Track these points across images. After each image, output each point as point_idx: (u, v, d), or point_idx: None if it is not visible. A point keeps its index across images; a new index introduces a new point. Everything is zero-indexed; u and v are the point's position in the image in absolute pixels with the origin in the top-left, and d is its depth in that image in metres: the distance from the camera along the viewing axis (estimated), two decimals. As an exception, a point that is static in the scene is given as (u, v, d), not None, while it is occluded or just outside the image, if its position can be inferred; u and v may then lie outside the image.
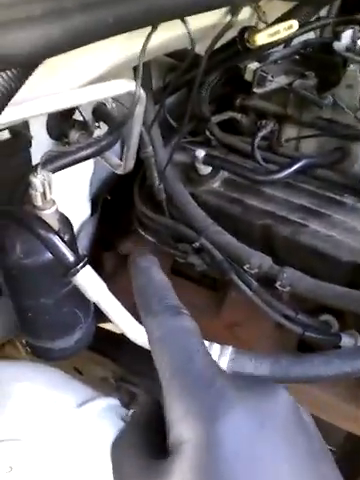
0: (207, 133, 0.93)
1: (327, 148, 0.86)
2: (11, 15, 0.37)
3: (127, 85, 0.54)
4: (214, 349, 0.55)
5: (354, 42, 0.85)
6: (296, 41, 0.90)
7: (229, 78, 0.95)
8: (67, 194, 0.76)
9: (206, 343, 0.55)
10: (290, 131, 0.89)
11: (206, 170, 0.85)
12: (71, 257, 0.54)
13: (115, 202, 0.99)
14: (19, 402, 0.63)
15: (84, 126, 0.72)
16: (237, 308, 0.86)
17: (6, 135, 0.66)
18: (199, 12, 0.50)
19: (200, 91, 0.90)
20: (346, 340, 0.74)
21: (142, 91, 0.56)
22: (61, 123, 0.72)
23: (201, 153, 0.82)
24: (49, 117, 0.71)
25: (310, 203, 0.78)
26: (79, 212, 0.87)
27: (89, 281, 0.55)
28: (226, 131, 0.92)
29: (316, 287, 0.71)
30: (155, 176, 0.82)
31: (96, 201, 0.95)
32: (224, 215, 0.81)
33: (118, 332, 0.95)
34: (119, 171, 0.71)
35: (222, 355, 0.54)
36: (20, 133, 0.66)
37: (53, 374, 0.73)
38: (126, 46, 0.52)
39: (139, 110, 0.59)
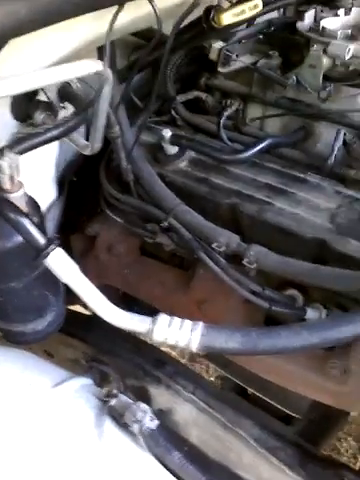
0: (173, 113, 0.93)
1: (291, 127, 0.88)
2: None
3: (94, 65, 0.53)
4: (185, 325, 0.56)
5: (317, 22, 0.87)
6: (260, 20, 0.91)
7: (194, 58, 0.95)
8: (33, 176, 0.75)
9: (177, 320, 0.57)
10: (255, 111, 0.91)
11: (173, 150, 0.85)
12: (42, 240, 0.54)
13: (81, 184, 0.99)
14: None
15: (49, 107, 0.71)
16: (205, 286, 0.88)
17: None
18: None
19: (165, 70, 0.90)
20: (311, 314, 0.77)
21: (109, 71, 0.56)
22: (26, 104, 0.70)
23: (167, 133, 0.83)
24: (13, 98, 0.69)
25: (275, 182, 0.80)
26: (45, 194, 0.87)
27: (61, 263, 0.56)
28: (191, 111, 0.92)
29: (282, 263, 0.73)
30: (122, 156, 0.82)
31: (62, 183, 0.94)
32: (191, 195, 0.82)
33: (87, 313, 0.96)
34: (86, 152, 0.70)
35: (193, 330, 0.56)
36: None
37: (25, 357, 0.73)
38: (93, 26, 0.52)
39: (106, 90, 0.59)
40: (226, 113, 0.87)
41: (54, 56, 0.51)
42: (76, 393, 0.62)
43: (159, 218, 0.81)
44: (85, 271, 0.59)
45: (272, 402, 0.95)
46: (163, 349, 1.02)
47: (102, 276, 0.98)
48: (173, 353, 1.38)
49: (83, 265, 0.62)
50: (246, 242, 0.77)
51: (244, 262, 0.75)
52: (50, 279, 0.62)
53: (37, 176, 0.81)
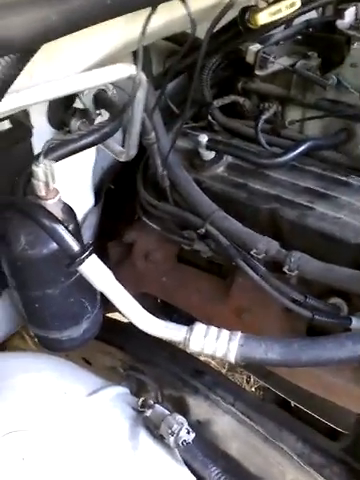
0: (209, 118, 0.91)
1: (331, 129, 0.85)
2: (6, -1, 0.36)
3: (127, 69, 0.53)
4: (223, 335, 0.54)
5: (357, 20, 0.84)
6: (297, 21, 0.89)
7: (230, 61, 0.93)
8: (70, 184, 0.75)
9: (214, 329, 0.55)
10: (294, 113, 0.88)
11: (209, 155, 0.84)
12: (76, 247, 0.54)
13: (119, 191, 0.99)
14: (26, 393, 0.63)
15: (85, 114, 0.71)
16: (244, 294, 0.86)
17: (6, 125, 0.65)
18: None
19: (201, 75, 0.88)
20: (356, 323, 0.73)
21: (143, 75, 0.55)
22: (62, 112, 0.71)
23: (204, 138, 0.81)
24: (50, 106, 0.70)
25: (316, 185, 0.77)
26: (82, 202, 0.87)
27: (95, 270, 0.55)
28: (228, 116, 0.91)
29: (324, 270, 0.70)
30: (158, 163, 0.81)
31: (99, 191, 0.94)
32: (229, 200, 0.80)
33: (125, 321, 0.95)
34: (122, 158, 0.70)
35: (231, 340, 0.54)
36: (20, 123, 0.65)
37: (61, 364, 0.73)
38: (125, 30, 0.51)
39: (140, 95, 0.58)
40: (264, 116, 0.85)
41: (87, 61, 0.51)
42: (111, 402, 0.61)
43: (196, 225, 0.80)
44: (122, 279, 0.58)
45: (316, 416, 0.91)
46: (202, 359, 1.01)
47: (139, 284, 0.97)
48: (212, 363, 1.36)
49: (120, 273, 0.61)
50: (286, 249, 0.74)
51: (284, 269, 0.72)
52: (86, 286, 0.62)
53: (74, 184, 0.82)
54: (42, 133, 0.70)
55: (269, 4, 0.63)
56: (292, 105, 0.88)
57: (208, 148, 0.82)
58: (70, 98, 0.70)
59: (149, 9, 0.50)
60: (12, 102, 0.46)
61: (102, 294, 0.59)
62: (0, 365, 0.66)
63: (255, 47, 0.84)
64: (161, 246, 0.93)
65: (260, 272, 0.74)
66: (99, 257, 0.57)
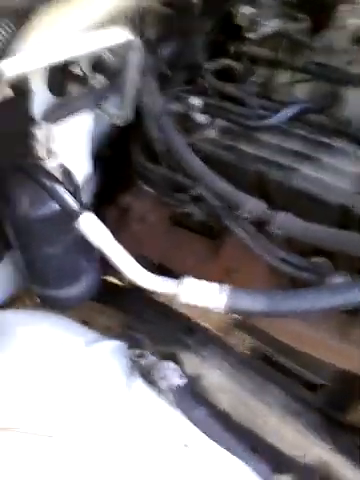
0: (201, 81, 0.93)
1: (319, 93, 0.87)
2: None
3: (122, 34, 0.55)
4: (212, 287, 0.59)
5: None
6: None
7: (222, 26, 0.95)
8: (68, 151, 0.78)
9: (204, 283, 0.60)
10: (283, 76, 0.90)
11: (202, 119, 0.86)
12: (75, 205, 0.57)
13: (115, 158, 1.01)
14: (25, 344, 0.67)
15: (83, 80, 0.73)
16: (233, 254, 0.90)
17: (8, 91, 0.68)
18: None
19: (194, 38, 0.90)
20: (338, 281, 0.78)
21: (138, 39, 0.57)
22: (60, 78, 0.72)
23: (196, 101, 0.84)
24: (49, 73, 0.72)
25: (301, 148, 0.80)
26: (80, 169, 0.89)
27: (93, 227, 0.59)
28: (221, 80, 0.93)
29: (307, 229, 0.74)
30: (152, 127, 0.84)
31: (97, 157, 0.97)
32: (219, 162, 0.84)
33: (121, 284, 0.98)
34: (118, 122, 0.72)
35: (220, 293, 0.58)
36: (21, 89, 0.67)
37: (59, 319, 0.77)
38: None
39: (135, 58, 0.60)
40: (254, 79, 0.87)
41: (83, 25, 0.53)
42: (109, 353, 0.65)
43: (188, 186, 0.83)
44: (119, 242, 0.61)
45: (298, 369, 0.97)
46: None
47: (136, 247, 1.01)
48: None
49: (117, 237, 0.64)
50: (273, 209, 0.78)
51: (270, 228, 0.76)
52: (84, 246, 0.66)
53: (72, 150, 0.84)
54: (42, 99, 0.72)
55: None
56: (281, 68, 0.90)
57: (200, 111, 0.84)
58: (68, 65, 0.72)
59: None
60: (11, 67, 0.48)
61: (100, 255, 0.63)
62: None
63: (246, 10, 0.86)
64: (156, 209, 0.97)
65: (248, 231, 0.78)
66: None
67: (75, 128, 0.74)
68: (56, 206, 0.64)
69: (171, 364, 0.60)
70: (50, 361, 0.64)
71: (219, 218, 0.81)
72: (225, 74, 0.94)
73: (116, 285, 1.03)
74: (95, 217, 0.59)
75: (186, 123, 0.87)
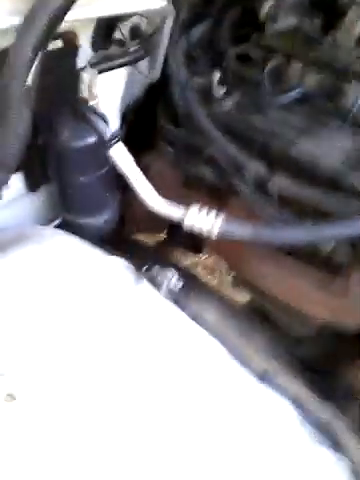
0: (224, 64, 1.08)
1: (325, 85, 1.01)
2: None
3: (158, 1, 0.69)
4: (211, 213, 0.72)
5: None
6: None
7: (247, 20, 1.09)
8: (104, 100, 0.93)
9: (205, 210, 0.73)
10: (295, 67, 1.04)
11: (220, 91, 1.00)
12: (109, 134, 0.72)
13: (141, 120, 1.15)
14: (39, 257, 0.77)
15: (122, 43, 0.88)
16: (236, 213, 1.03)
17: (59, 44, 0.82)
18: None
19: (221, 25, 1.04)
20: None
21: (172, 7, 0.72)
22: (104, 39, 0.87)
23: (217, 75, 0.98)
24: (94, 33, 0.86)
25: (303, 124, 0.94)
26: (111, 121, 1.04)
27: (121, 155, 0.73)
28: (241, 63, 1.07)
29: (299, 191, 0.88)
30: (177, 93, 0.98)
31: (124, 117, 1.11)
32: (232, 132, 0.97)
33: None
34: (148, 77, 0.86)
35: (217, 217, 0.72)
36: (71, 42, 0.82)
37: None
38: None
39: (168, 24, 0.75)
40: (269, 66, 1.01)
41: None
42: (120, 264, 0.79)
43: (202, 147, 0.97)
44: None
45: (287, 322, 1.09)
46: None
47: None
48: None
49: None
50: (274, 173, 0.91)
51: (268, 188, 0.90)
52: (110, 182, 0.80)
53: (105, 104, 0.99)
54: (86, 55, 0.87)
55: None
56: (294, 60, 1.03)
57: (219, 83, 0.99)
58: (111, 28, 0.86)
59: None
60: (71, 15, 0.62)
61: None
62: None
63: (268, 4, 1.00)
64: (173, 169, 1.10)
65: (249, 190, 0.92)
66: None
67: (112, 81, 0.88)
68: (90, 140, 0.78)
69: (172, 270, 0.73)
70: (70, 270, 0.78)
71: (226, 177, 0.95)
72: (246, 59, 1.08)
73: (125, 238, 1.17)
74: (122, 145, 0.73)
75: (207, 94, 1.02)
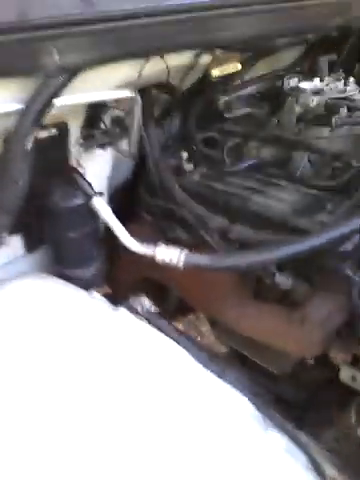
0: (193, 147, 1.30)
1: (277, 156, 1.22)
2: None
3: (128, 92, 0.92)
4: (176, 250, 0.88)
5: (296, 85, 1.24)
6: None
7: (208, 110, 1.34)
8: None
9: (172, 247, 0.89)
10: (252, 144, 1.27)
11: (189, 167, 1.22)
12: (93, 191, 0.91)
13: (125, 196, 1.36)
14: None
15: (106, 132, 1.11)
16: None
17: (54, 131, 1.05)
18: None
19: (188, 119, 1.29)
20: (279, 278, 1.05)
21: (138, 96, 0.94)
22: (90, 127, 1.10)
23: (184, 154, 1.20)
24: (83, 124, 1.10)
25: (257, 186, 1.13)
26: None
27: (102, 207, 0.91)
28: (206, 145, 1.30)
29: (254, 236, 1.04)
30: (153, 170, 1.19)
31: (112, 197, 1.32)
32: (200, 196, 1.17)
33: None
34: (126, 155, 1.07)
35: (181, 253, 0.87)
36: (64, 129, 1.05)
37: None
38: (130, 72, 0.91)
39: (137, 110, 0.97)
40: (229, 144, 1.24)
41: (105, 87, 0.91)
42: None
43: (176, 212, 1.16)
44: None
45: (259, 362, 1.19)
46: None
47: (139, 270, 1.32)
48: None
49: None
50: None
51: (229, 236, 1.07)
52: (95, 239, 0.98)
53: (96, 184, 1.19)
54: (75, 139, 1.09)
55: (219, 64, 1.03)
56: (251, 138, 1.26)
57: (187, 161, 1.20)
58: (96, 119, 1.10)
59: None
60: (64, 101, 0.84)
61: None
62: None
63: (224, 98, 1.25)
64: (153, 233, 1.28)
65: (214, 239, 1.09)
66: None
67: (97, 164, 1.10)
68: (78, 201, 0.97)
69: (146, 300, 0.87)
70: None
71: (196, 233, 1.12)
72: (210, 142, 1.31)
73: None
74: (102, 200, 0.91)
75: (178, 170, 1.23)
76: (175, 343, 0.82)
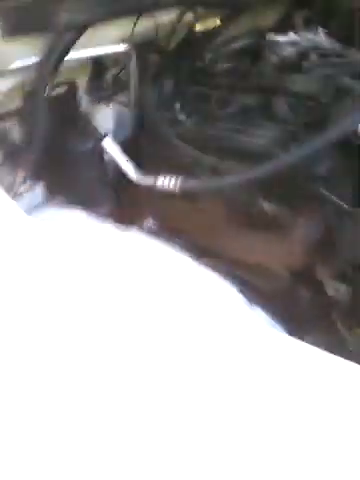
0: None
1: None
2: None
3: (124, 47, 1.10)
4: (171, 178, 1.06)
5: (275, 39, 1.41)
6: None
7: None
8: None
9: (169, 176, 1.07)
10: (236, 94, 1.43)
11: (182, 118, 1.39)
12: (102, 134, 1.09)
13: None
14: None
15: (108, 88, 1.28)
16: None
17: (64, 89, 1.22)
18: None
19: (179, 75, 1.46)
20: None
21: (133, 50, 1.12)
22: (95, 85, 1.27)
23: (178, 105, 1.37)
24: (88, 81, 1.27)
25: (241, 127, 1.30)
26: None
27: (110, 145, 1.09)
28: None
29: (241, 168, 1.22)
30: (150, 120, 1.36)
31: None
32: (192, 141, 1.34)
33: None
34: (128, 108, 1.25)
35: (176, 180, 1.06)
36: (73, 87, 1.22)
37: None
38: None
39: (133, 65, 1.14)
40: (216, 95, 1.41)
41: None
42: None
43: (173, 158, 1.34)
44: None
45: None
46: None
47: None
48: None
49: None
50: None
51: (219, 172, 1.24)
52: (106, 178, 1.16)
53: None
54: (83, 97, 1.27)
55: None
56: (235, 89, 1.43)
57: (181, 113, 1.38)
58: (100, 78, 1.27)
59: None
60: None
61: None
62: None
63: (209, 56, 1.41)
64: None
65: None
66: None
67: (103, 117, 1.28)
68: (90, 144, 1.15)
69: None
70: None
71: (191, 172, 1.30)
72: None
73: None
74: (111, 141, 1.09)
75: (173, 121, 1.40)
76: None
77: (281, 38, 1.39)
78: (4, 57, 1.01)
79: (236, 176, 1.06)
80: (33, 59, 0.95)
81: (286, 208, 1.24)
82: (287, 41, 1.37)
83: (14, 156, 1.17)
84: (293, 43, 1.37)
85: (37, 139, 0.99)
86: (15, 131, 1.19)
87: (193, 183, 1.06)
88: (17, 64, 1.02)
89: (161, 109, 1.40)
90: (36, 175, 1.22)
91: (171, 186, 1.05)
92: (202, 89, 1.47)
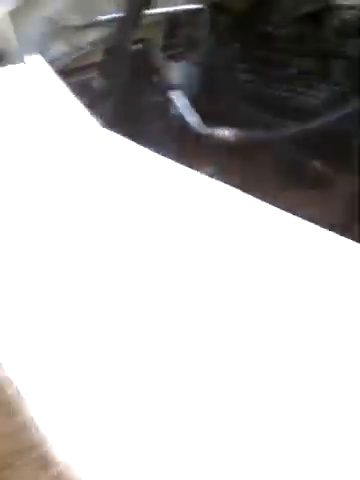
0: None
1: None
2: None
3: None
4: (229, 129, 1.22)
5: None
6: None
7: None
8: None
9: (226, 129, 1.22)
10: (297, 57, 1.54)
11: (246, 78, 1.52)
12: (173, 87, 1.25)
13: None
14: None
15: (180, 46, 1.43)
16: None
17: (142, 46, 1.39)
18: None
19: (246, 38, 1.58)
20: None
21: (206, 9, 1.26)
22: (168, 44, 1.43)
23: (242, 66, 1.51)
24: (162, 40, 1.42)
25: (297, 88, 1.42)
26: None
27: (177, 96, 1.26)
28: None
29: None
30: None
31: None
32: (252, 99, 1.48)
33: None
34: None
35: (234, 131, 1.21)
36: (150, 44, 1.38)
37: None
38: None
39: (205, 24, 1.29)
40: (279, 58, 1.52)
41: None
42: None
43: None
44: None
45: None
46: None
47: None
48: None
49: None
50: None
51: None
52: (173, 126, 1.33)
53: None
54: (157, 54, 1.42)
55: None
56: (297, 52, 1.54)
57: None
58: (173, 36, 1.42)
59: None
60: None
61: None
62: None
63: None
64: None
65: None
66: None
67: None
68: (162, 96, 1.32)
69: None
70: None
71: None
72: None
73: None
74: (180, 94, 1.26)
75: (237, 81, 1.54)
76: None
77: (345, 1, 1.47)
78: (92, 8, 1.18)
79: (286, 130, 1.20)
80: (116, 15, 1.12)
81: (332, 167, 1.37)
82: (350, 5, 1.45)
83: (94, 105, 1.37)
84: (353, 6, 1.45)
85: (116, 90, 1.17)
86: (96, 82, 1.38)
87: (247, 134, 1.21)
88: (101, 17, 1.19)
89: (227, 68, 1.54)
90: (112, 123, 1.40)
91: (229, 136, 1.21)
92: (265, 52, 1.59)
